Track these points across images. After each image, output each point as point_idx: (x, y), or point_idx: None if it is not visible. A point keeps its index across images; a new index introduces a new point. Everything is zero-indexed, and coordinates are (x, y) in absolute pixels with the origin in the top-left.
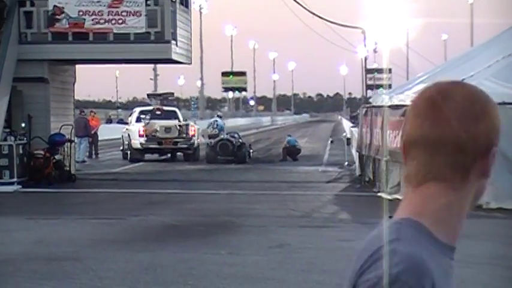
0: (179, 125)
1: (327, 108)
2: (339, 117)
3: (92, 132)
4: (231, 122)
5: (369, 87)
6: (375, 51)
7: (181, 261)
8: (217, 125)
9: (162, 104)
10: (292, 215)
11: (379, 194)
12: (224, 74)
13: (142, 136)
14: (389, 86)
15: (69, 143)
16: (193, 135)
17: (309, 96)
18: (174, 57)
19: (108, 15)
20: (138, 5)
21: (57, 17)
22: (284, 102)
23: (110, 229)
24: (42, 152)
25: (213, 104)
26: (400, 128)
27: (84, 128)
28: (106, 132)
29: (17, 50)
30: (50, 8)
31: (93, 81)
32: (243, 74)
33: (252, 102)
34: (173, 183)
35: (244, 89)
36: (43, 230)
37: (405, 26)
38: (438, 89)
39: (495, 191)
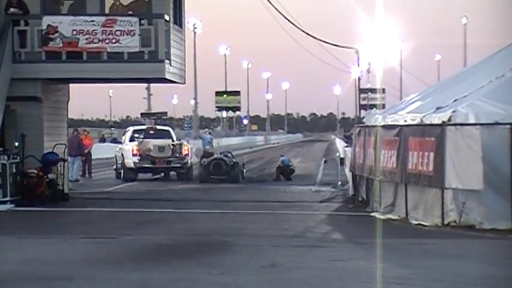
0: (173, 145)
1: (321, 128)
2: (333, 137)
3: (86, 151)
4: (225, 142)
5: (363, 107)
6: (368, 71)
7: (174, 281)
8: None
9: (156, 123)
10: (285, 234)
11: (372, 214)
12: (218, 93)
13: (136, 155)
14: (383, 106)
15: (62, 162)
16: (187, 155)
17: (303, 116)
18: (168, 76)
19: (102, 34)
20: (131, 25)
21: (51, 36)
22: (277, 122)
23: (103, 248)
24: (35, 171)
25: (206, 123)
26: (394, 147)
27: (77, 147)
28: (99, 151)
29: (11, 69)
30: (44, 27)
31: (86, 100)
32: (236, 93)
33: (245, 122)
34: (166, 203)
35: (238, 109)
36: (35, 249)
37: (398, 46)
38: None
39: (488, 212)
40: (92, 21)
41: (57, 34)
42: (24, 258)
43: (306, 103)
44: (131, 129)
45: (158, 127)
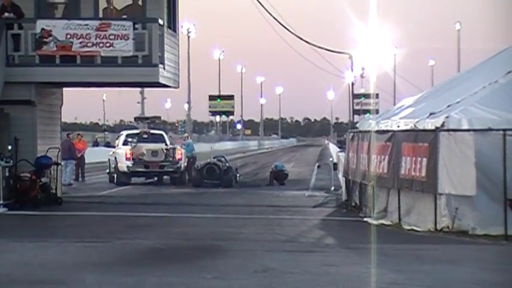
0: (166, 149)
1: (314, 133)
2: (326, 141)
3: (79, 155)
4: (218, 146)
5: (356, 112)
6: (362, 76)
7: (167, 285)
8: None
9: (149, 127)
10: (278, 239)
11: (365, 219)
12: (211, 97)
13: (129, 159)
14: (377, 111)
15: (55, 166)
16: (180, 159)
17: (296, 121)
18: (162, 80)
19: (96, 38)
20: (125, 29)
21: (45, 40)
22: (271, 126)
23: (95, 252)
24: (28, 175)
25: (200, 128)
26: (387, 153)
27: (69, 150)
28: (93, 155)
29: (4, 72)
30: (38, 30)
31: (80, 104)
32: (230, 97)
33: (239, 126)
34: (159, 207)
35: (232, 113)
36: (28, 252)
37: (392, 51)
38: None
39: (481, 217)
40: (86, 25)
41: (51, 38)
42: (17, 261)
43: (300, 108)
44: (124, 133)
45: (151, 131)
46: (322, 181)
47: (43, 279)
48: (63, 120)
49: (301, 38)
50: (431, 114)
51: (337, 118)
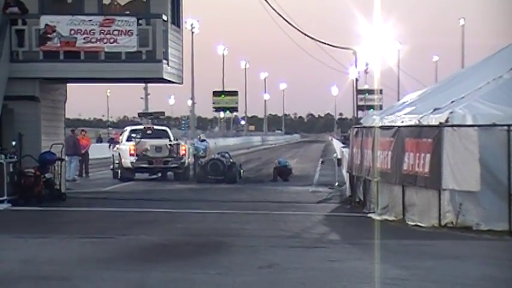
0: (170, 145)
1: (318, 129)
2: (330, 137)
3: (83, 151)
4: (222, 142)
5: (360, 107)
6: (366, 72)
7: (171, 281)
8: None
9: (153, 123)
10: (282, 235)
11: (369, 215)
12: (215, 93)
13: (133, 155)
14: (380, 107)
15: (59, 162)
16: (184, 155)
17: (300, 117)
18: (165, 76)
19: (100, 34)
20: (129, 24)
21: (49, 35)
22: (275, 122)
23: (99, 248)
24: (32, 171)
25: (203, 124)
26: (391, 148)
27: (73, 146)
28: (97, 151)
29: (8, 68)
30: (42, 26)
31: (84, 99)
32: (234, 93)
33: (243, 122)
34: (163, 203)
35: (235, 109)
36: (32, 248)
37: (396, 47)
38: None
39: (485, 213)
40: (90, 20)
41: (55, 33)
42: (21, 257)
43: (304, 104)
44: (128, 129)
45: (155, 127)
46: (326, 177)
47: (47, 275)
48: (67, 116)
49: (305, 34)
50: (435, 109)
51: (341, 114)
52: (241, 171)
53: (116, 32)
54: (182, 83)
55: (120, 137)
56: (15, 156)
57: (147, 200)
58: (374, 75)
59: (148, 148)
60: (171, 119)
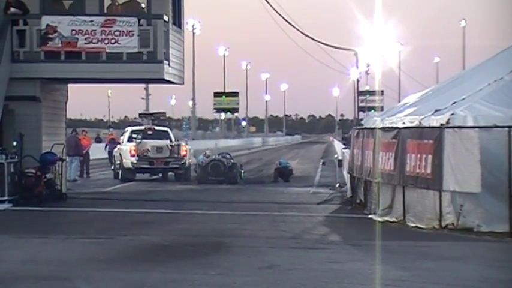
0: (171, 145)
1: (319, 130)
2: (331, 138)
3: (84, 151)
4: (223, 143)
5: (361, 109)
6: (367, 73)
7: (171, 282)
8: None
9: (154, 123)
10: (282, 236)
11: (370, 216)
12: (216, 94)
13: (134, 156)
14: (381, 108)
15: (60, 162)
16: (185, 156)
17: (301, 118)
18: (167, 77)
19: (101, 34)
20: (130, 25)
21: (50, 36)
22: (276, 123)
23: (100, 248)
24: (33, 171)
25: (204, 125)
26: (392, 150)
27: (75, 147)
28: (97, 151)
29: (9, 68)
30: (43, 27)
31: (85, 100)
32: (235, 94)
33: (243, 123)
34: (164, 203)
35: (236, 110)
36: (33, 248)
37: (397, 48)
38: None
39: (486, 214)
40: (91, 21)
41: (56, 34)
42: (22, 257)
43: (305, 105)
44: (129, 129)
45: (156, 128)
46: (327, 178)
47: (47, 275)
48: (68, 116)
49: (306, 35)
50: (436, 111)
51: (342, 115)
52: (242, 172)
53: (117, 33)
54: (183, 83)
55: (121, 138)
56: (16, 157)
57: (147, 200)
58: (375, 76)
59: (149, 149)
60: (172, 120)
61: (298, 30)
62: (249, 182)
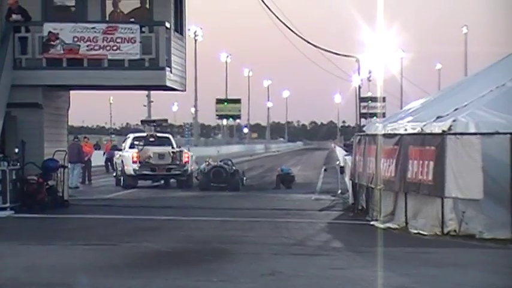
0: (173, 152)
1: (321, 136)
2: (333, 145)
3: (86, 158)
4: (225, 149)
5: (363, 115)
6: (369, 79)
7: None
8: None
9: (156, 130)
10: (285, 242)
11: (372, 223)
12: (218, 101)
13: (136, 162)
14: (383, 115)
15: (62, 169)
16: (187, 162)
17: (303, 124)
18: (169, 83)
19: (103, 41)
20: (132, 32)
21: (52, 43)
22: (278, 130)
23: (102, 255)
24: (35, 178)
25: (207, 131)
26: (394, 156)
27: (77, 154)
28: (99, 158)
29: (12, 75)
30: (45, 34)
31: (87, 107)
32: (237, 101)
33: (246, 130)
34: (166, 210)
35: (239, 117)
36: (35, 255)
37: (399, 55)
38: None
39: (488, 221)
40: (93, 28)
41: (58, 41)
42: (24, 264)
43: (307, 111)
44: (131, 136)
45: (158, 134)
46: (329, 184)
47: (49, 282)
48: (70, 123)
49: (308, 42)
50: (438, 117)
51: (344, 122)
52: (244, 178)
53: (119, 40)
54: (185, 90)
55: (123, 144)
56: (18, 164)
57: (149, 207)
58: (377, 83)
59: (151, 155)
60: (174, 127)
61: (301, 37)
62: (251, 189)
